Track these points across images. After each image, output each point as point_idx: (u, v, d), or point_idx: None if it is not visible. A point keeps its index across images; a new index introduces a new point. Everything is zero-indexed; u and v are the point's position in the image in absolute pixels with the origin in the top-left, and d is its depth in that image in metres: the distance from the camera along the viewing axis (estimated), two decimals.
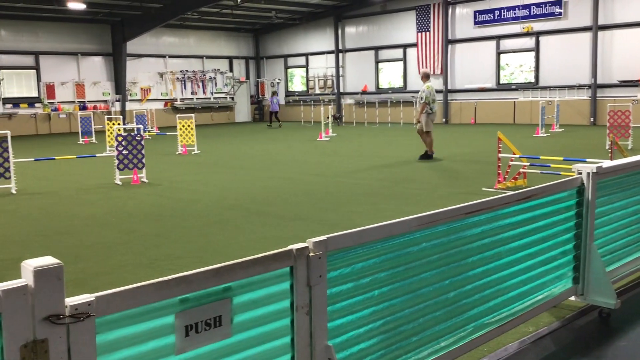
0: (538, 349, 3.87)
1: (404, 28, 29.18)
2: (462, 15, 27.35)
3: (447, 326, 3.13)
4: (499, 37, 26.28)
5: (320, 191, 10.25)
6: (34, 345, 1.67)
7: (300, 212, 8.52)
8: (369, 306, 2.73)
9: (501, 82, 26.77)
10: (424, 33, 28.29)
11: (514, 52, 26.14)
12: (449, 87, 27.98)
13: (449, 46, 27.76)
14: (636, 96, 22.34)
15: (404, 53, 29.53)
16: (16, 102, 27.11)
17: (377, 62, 30.82)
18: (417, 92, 28.65)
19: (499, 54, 26.53)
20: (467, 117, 27.65)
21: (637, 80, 22.80)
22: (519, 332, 3.93)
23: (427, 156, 14.15)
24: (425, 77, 14.56)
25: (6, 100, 26.84)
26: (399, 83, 30.28)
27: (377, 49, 30.53)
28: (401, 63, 29.86)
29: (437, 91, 27.77)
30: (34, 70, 27.75)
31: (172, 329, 2.01)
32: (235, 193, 10.23)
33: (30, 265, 1.67)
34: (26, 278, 1.67)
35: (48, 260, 1.70)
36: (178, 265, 5.92)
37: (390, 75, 30.83)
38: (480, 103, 27.19)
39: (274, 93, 31.44)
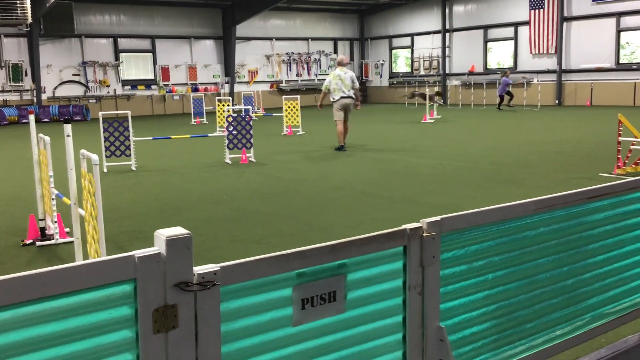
0: None
1: (515, 5, 27.99)
2: None
3: (564, 314, 3.01)
4: (619, 14, 24.62)
5: (426, 174, 10.12)
6: (165, 309, 1.77)
7: (407, 194, 8.46)
8: (482, 290, 2.68)
9: (621, 61, 25.12)
10: (537, 10, 27.00)
11: (637, 29, 24.40)
12: (564, 67, 26.61)
13: (564, 24, 26.35)
14: None
15: (515, 32, 28.35)
16: (134, 84, 28.68)
17: (485, 41, 29.83)
18: (528, 72, 27.70)
19: (619, 31, 24.87)
20: (583, 98, 26.21)
21: None
22: None
23: (339, 148, 13.27)
24: (339, 63, 13.66)
25: (125, 82, 28.45)
26: (508, 63, 29.16)
27: (486, 27, 29.53)
28: (512, 42, 28.72)
29: (551, 71, 26.73)
30: (151, 54, 29.19)
31: (290, 301, 2.07)
32: (341, 174, 10.31)
33: (162, 234, 1.77)
34: (159, 246, 1.77)
35: (179, 230, 1.80)
36: (286, 242, 6.07)
37: (500, 55, 29.75)
38: (598, 84, 25.68)
39: (505, 73, 25.98)
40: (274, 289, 2.03)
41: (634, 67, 24.58)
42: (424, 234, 2.42)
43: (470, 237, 2.62)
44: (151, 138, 13.44)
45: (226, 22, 30.21)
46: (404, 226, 2.40)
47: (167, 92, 29.31)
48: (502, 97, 25.58)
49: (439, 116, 21.91)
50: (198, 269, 1.81)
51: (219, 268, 1.85)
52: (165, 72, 29.37)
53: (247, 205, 8.00)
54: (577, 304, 3.06)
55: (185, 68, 29.95)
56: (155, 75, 29.28)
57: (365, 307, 2.31)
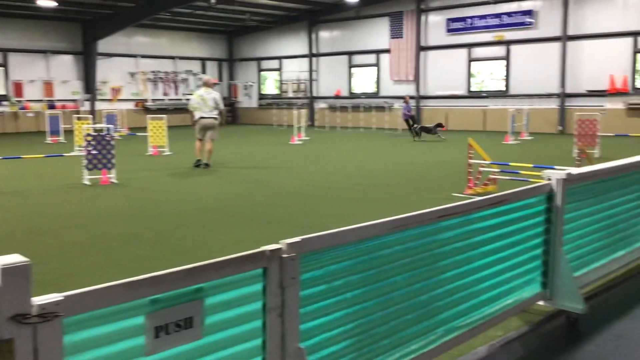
0: (507, 353, 3.91)
1: (377, 34, 29.34)
2: (435, 23, 27.60)
3: (418, 329, 3.14)
4: (470, 45, 26.60)
5: (293, 194, 10.23)
6: None
7: (273, 215, 8.49)
8: (341, 309, 2.72)
9: (472, 89, 27.09)
10: (397, 39, 28.48)
11: (485, 60, 26.49)
12: (421, 93, 28.20)
13: (422, 53, 28.00)
14: (603, 106, 22.78)
15: (377, 59, 29.67)
16: None
17: (350, 67, 30.93)
18: (390, 97, 29.05)
19: (470, 61, 26.85)
20: None
21: (605, 90, 23.27)
22: (488, 336, 3.96)
23: (197, 164, 13.61)
24: (204, 84, 14.19)
25: None
26: (371, 88, 30.42)
27: (350, 54, 30.63)
28: (374, 68, 30.01)
29: (411, 97, 28.19)
30: (2, 68, 27.17)
31: (142, 330, 1.98)
32: (206, 195, 10.15)
33: None
34: None
35: (16, 258, 1.66)
36: (148, 266, 5.83)
37: (363, 81, 30.96)
38: (452, 110, 27.45)
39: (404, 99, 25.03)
40: (125, 317, 1.93)
41: (484, 94, 26.59)
42: (284, 255, 2.42)
43: (329, 258, 2.66)
44: (0, 158, 12.47)
45: (87, 37, 28.86)
46: (263, 248, 2.39)
47: (20, 108, 27.36)
48: (408, 122, 24.39)
49: (307, 138, 22.31)
50: (38, 300, 1.68)
51: (62, 298, 1.73)
52: (19, 87, 27.44)
53: (106, 228, 7.62)
54: (430, 318, 3.21)
55: (41, 84, 28.16)
56: (6, 91, 27.26)
57: (223, 331, 2.27)
